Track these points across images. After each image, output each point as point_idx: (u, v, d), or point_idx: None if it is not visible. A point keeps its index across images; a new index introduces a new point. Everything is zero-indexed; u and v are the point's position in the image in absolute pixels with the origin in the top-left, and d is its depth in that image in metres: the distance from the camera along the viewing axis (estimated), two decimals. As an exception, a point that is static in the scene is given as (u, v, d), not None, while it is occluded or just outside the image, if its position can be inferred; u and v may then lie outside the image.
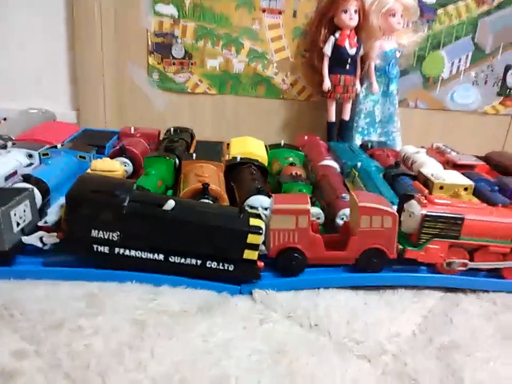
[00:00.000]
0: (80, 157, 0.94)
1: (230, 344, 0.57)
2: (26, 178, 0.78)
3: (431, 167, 1.06)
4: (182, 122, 1.45)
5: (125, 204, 0.65)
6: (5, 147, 0.92)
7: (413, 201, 0.75)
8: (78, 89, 1.38)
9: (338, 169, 1.08)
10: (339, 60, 1.37)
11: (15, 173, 0.85)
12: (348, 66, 1.38)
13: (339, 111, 1.42)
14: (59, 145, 0.95)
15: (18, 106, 1.33)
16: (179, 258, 0.68)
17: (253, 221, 0.69)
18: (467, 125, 1.55)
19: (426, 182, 0.98)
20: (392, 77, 1.42)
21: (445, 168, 1.12)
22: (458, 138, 1.50)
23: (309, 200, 0.73)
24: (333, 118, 1.43)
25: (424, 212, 0.72)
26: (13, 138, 1.03)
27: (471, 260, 0.75)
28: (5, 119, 1.18)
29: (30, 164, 0.90)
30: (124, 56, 1.39)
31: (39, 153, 0.92)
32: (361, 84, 1.41)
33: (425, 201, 0.74)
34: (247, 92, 1.48)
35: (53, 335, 0.54)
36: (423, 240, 0.73)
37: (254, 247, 0.68)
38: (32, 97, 1.37)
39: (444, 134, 1.53)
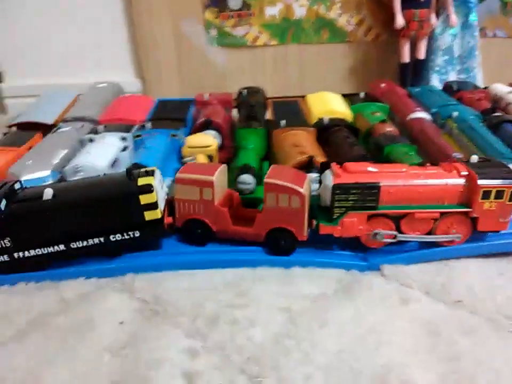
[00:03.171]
0: (172, 135, 0.92)
1: (381, 328, 0.57)
2: (137, 168, 0.77)
3: (535, 111, 0.98)
4: (243, 78, 1.40)
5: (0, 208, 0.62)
6: (96, 132, 0.91)
7: (327, 172, 0.69)
8: (140, 57, 1.33)
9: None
10: (413, -9, 1.25)
11: (115, 159, 0.85)
12: (423, -2, 1.26)
13: (412, 50, 1.32)
14: (148, 125, 0.93)
15: (82, 80, 1.31)
16: (80, 242, 0.66)
17: (142, 180, 0.65)
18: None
19: (534, 129, 0.92)
20: (472, 5, 1.29)
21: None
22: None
23: (219, 171, 0.69)
24: (406, 58, 1.33)
25: (334, 183, 0.66)
26: (96, 118, 1.02)
27: (398, 228, 0.68)
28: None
29: (125, 148, 0.90)
30: (180, 14, 1.31)
31: (131, 135, 0.91)
32: (437, 17, 1.29)
33: (339, 170, 0.67)
34: (310, 38, 1.39)
35: (214, 329, 0.56)
36: (337, 214, 0.67)
37: (152, 206, 0.65)
38: (94, 69, 1.34)
39: (526, 64, 1.41)
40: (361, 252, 0.70)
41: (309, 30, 1.38)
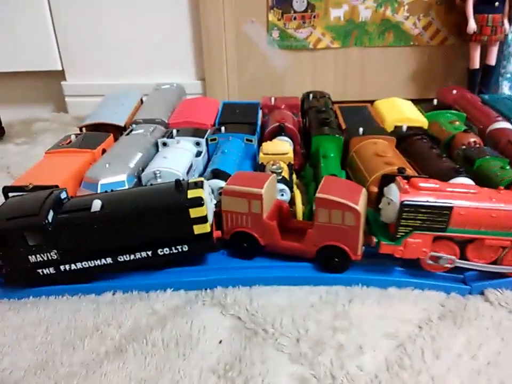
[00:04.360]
0: (247, 140, 0.89)
1: (500, 362, 0.53)
2: (217, 173, 0.75)
3: None
4: (303, 82, 1.37)
5: (47, 220, 0.59)
6: (171, 135, 0.89)
7: (392, 186, 0.63)
8: (203, 59, 1.30)
9: (514, 131, 0.96)
10: (487, -5, 1.19)
11: (191, 165, 0.83)
12: (497, 3, 1.20)
13: (482, 56, 1.26)
14: (223, 129, 0.90)
15: (143, 81, 1.30)
16: (128, 255, 0.62)
17: (192, 193, 0.61)
18: None
19: None
20: (548, 11, 1.22)
21: None
22: None
23: (268, 182, 0.65)
24: (476, 64, 1.28)
25: (402, 199, 0.60)
26: (165, 121, 1.00)
27: (463, 254, 0.63)
28: (141, 100, 1.14)
29: (199, 153, 0.87)
30: (243, 15, 1.28)
31: (206, 139, 0.89)
32: (510, 23, 1.22)
33: (406, 186, 0.61)
34: (374, 41, 1.34)
35: (319, 354, 0.53)
36: (402, 233, 0.61)
37: (202, 220, 0.61)
38: (154, 70, 1.32)
39: None
40: (458, 273, 0.66)
41: (373, 33, 1.33)
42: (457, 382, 0.50)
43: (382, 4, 1.30)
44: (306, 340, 0.55)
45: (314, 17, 1.31)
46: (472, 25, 1.21)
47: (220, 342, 0.55)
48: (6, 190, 0.71)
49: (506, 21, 1.21)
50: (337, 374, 0.50)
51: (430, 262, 0.63)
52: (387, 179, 0.67)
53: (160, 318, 0.59)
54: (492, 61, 1.26)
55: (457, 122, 0.99)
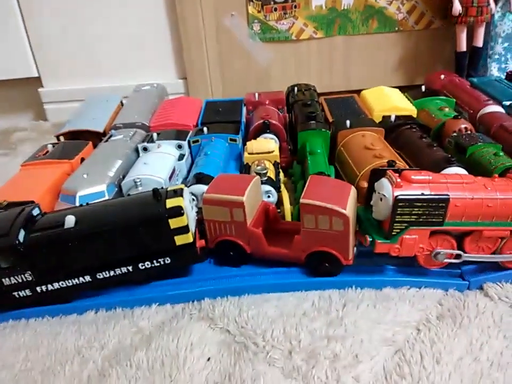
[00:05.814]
0: (230, 140, 0.86)
1: (504, 362, 0.50)
2: (200, 178, 0.71)
3: None
4: (287, 74, 1.33)
5: (18, 240, 0.56)
6: (151, 139, 0.85)
7: (384, 180, 0.59)
8: (183, 56, 1.26)
9: (505, 115, 0.93)
10: (471, -25, 1.15)
11: (174, 170, 0.79)
12: (481, -18, 1.17)
13: (469, 38, 1.23)
14: (205, 129, 0.86)
15: (123, 83, 1.26)
16: (107, 272, 0.59)
17: (171, 202, 0.58)
18: None
19: None
20: (535, -12, 1.18)
21: None
22: None
23: (251, 187, 0.62)
24: (463, 46, 1.25)
25: (396, 194, 0.57)
26: (146, 124, 0.96)
27: (461, 247, 0.61)
28: (122, 103, 1.10)
29: (182, 156, 0.84)
30: (223, 10, 1.24)
31: (188, 141, 0.85)
32: (496, 2, 1.19)
33: (398, 179, 0.58)
34: (358, 29, 1.30)
35: (313, 366, 0.50)
36: (397, 230, 0.58)
37: (183, 230, 0.58)
38: (134, 71, 1.28)
39: None
40: (455, 268, 0.63)
41: (357, 20, 1.29)
42: (459, 388, 0.48)
43: (364, -11, 1.26)
44: (299, 352, 0.52)
45: (295, 7, 1.27)
46: (457, 7, 1.17)
47: (208, 359, 0.52)
48: (-21, 209, 0.68)
49: (491, 1, 1.18)
50: (333, 387, 0.48)
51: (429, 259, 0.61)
52: (377, 173, 0.64)
53: (145, 337, 0.56)
54: (479, 42, 1.23)
55: (446, 109, 0.96)
